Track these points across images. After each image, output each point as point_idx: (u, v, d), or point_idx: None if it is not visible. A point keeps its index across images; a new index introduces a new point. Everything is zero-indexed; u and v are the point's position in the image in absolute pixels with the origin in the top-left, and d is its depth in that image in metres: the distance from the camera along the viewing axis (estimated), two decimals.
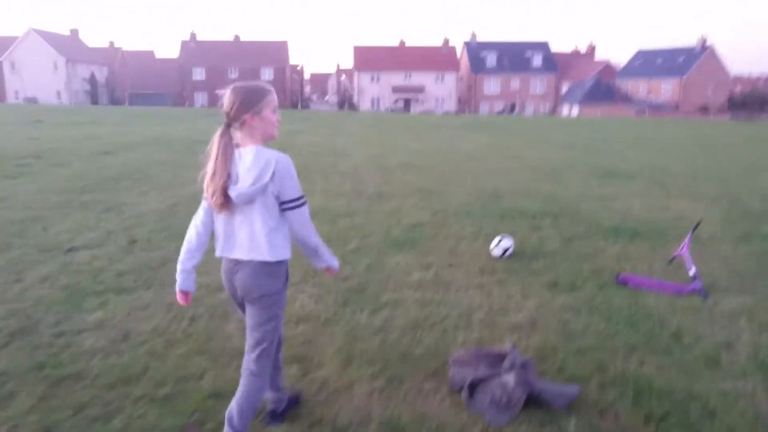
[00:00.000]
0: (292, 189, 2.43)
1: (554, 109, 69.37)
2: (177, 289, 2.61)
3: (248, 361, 2.61)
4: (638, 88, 69.31)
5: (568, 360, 3.68)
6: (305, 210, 2.50)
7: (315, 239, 2.58)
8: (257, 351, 2.57)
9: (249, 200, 2.41)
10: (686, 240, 5.72)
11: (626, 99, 63.54)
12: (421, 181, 10.52)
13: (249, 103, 2.41)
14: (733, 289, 5.06)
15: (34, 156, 12.68)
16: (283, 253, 2.52)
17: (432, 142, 18.74)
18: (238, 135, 2.44)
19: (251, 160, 2.39)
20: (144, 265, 5.43)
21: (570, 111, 63.93)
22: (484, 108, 70.50)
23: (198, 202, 2.72)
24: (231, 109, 2.42)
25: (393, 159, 13.71)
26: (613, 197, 9.22)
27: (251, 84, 2.49)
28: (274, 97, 2.47)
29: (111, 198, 8.49)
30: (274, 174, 2.38)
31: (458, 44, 77.45)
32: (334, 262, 2.72)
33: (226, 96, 2.43)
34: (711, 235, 6.86)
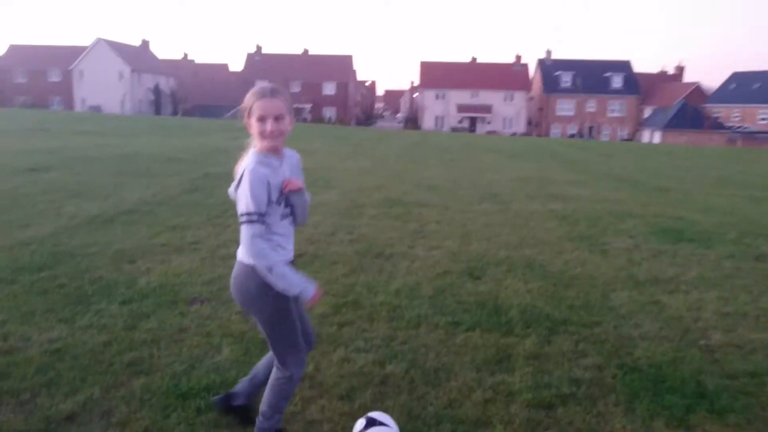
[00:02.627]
0: (242, 203, 2.35)
1: (633, 135, 63.66)
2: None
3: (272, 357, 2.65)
4: (731, 114, 62.54)
5: None
6: (249, 229, 2.34)
7: (262, 262, 2.37)
8: (276, 359, 2.61)
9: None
10: None
11: (717, 126, 57.14)
12: (387, 233, 7.20)
13: (243, 106, 2.43)
14: None
15: None
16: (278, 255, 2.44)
17: (460, 170, 15.29)
18: None
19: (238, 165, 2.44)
20: None
21: (651, 137, 58.21)
22: (555, 131, 65.72)
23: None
24: None
25: (383, 194, 10.42)
26: (671, 284, 5.55)
27: (255, 87, 2.47)
28: (261, 104, 2.37)
29: None
30: (239, 183, 2.37)
31: (532, 62, 73.14)
32: (305, 290, 2.44)
33: None
34: None
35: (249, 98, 2.41)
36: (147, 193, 9.26)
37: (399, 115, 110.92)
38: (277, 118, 2.39)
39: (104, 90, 63.49)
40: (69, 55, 65.69)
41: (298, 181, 2.51)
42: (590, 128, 65.27)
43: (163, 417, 2.91)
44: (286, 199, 2.46)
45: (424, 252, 6.41)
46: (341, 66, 70.43)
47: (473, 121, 66.22)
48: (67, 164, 12.29)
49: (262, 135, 2.39)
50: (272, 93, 2.41)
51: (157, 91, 66.85)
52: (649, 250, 6.87)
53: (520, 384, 3.42)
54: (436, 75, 67.65)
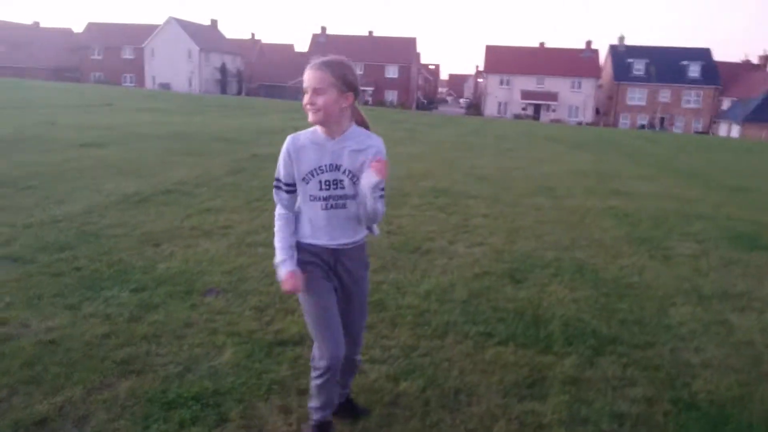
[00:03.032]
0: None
1: (709, 128, 60.26)
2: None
3: None
4: None
5: None
6: (275, 194, 2.39)
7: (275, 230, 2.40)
8: None
9: None
10: None
11: None
12: (428, 226, 6.77)
13: None
14: None
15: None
16: (299, 233, 2.40)
17: (516, 160, 14.62)
18: None
19: None
20: None
21: (729, 130, 54.92)
22: (624, 121, 62.99)
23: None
24: None
25: (430, 182, 9.97)
26: (741, 300, 4.89)
27: None
28: (305, 75, 2.25)
29: None
30: None
31: (603, 48, 70.15)
32: (278, 270, 2.35)
33: None
34: None
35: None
36: (190, 173, 9.15)
37: (462, 101, 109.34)
38: (316, 92, 2.22)
39: (173, 68, 65.17)
40: (142, 33, 67.67)
41: (372, 172, 2.23)
42: (662, 119, 62.22)
43: (142, 429, 2.62)
44: (322, 182, 2.30)
45: (464, 248, 5.95)
46: (405, 49, 69.66)
47: (537, 109, 64.30)
48: (121, 141, 12.41)
49: (305, 108, 2.26)
50: (320, 64, 2.24)
51: (223, 70, 68.07)
52: (719, 258, 6.17)
53: (553, 416, 2.96)
54: (501, 60, 65.90)
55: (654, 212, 8.52)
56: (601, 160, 16.10)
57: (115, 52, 68.73)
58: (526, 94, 64.45)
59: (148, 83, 65.98)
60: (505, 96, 65.07)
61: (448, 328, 3.94)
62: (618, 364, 3.57)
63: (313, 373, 2.42)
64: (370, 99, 64.74)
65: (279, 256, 2.35)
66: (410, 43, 70.57)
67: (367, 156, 2.31)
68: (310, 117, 2.26)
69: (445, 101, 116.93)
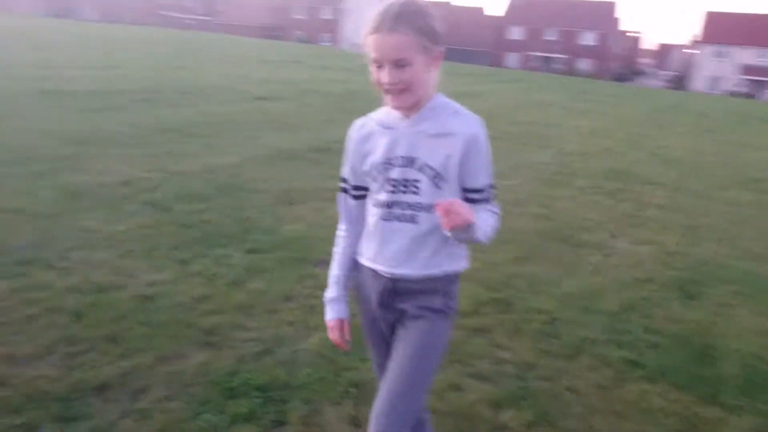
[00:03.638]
0: None
1: None
2: None
3: None
4: None
5: None
6: (338, 201, 1.77)
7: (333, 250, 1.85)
8: None
9: None
10: None
11: None
12: (588, 213, 5.89)
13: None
14: None
15: (180, 92, 11.39)
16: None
17: (714, 143, 12.59)
18: None
19: None
20: None
21: None
22: None
23: None
24: None
25: (605, 161, 8.83)
26: None
27: (376, 10, 1.53)
28: (374, 40, 1.51)
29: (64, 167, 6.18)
30: None
31: None
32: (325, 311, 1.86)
33: None
34: None
35: (366, 28, 1.55)
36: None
37: (665, 73, 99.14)
38: (399, 64, 1.50)
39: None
40: None
41: (460, 213, 1.42)
42: None
43: (192, 415, 2.36)
44: (389, 180, 1.60)
45: (627, 245, 5.02)
46: (602, 13, 64.36)
47: (760, 86, 55.90)
48: (295, 96, 12.79)
49: (378, 86, 1.55)
50: (394, 22, 1.48)
51: None
52: None
53: None
54: (722, 29, 58.15)
55: None
56: None
57: (315, 12, 72.41)
58: (743, 69, 56.33)
59: (344, 44, 68.76)
60: (716, 69, 57.53)
61: (582, 347, 3.21)
62: None
63: None
64: (561, 67, 61.22)
65: (329, 291, 1.80)
66: (609, 7, 64.98)
67: (454, 147, 1.56)
68: (394, 101, 1.56)
69: (644, 73, 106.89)
